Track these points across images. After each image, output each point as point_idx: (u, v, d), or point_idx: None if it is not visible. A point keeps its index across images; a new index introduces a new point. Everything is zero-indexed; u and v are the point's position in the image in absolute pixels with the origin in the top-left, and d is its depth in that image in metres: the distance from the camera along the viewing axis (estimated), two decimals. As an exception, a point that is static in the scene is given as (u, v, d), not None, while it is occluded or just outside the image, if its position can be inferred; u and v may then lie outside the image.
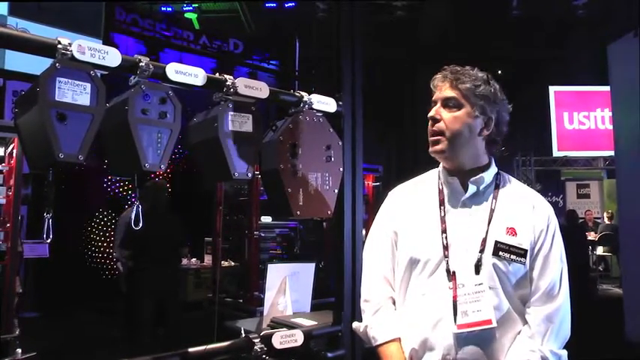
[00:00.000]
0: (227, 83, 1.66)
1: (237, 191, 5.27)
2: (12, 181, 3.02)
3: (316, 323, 2.01)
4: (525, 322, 1.30)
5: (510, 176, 1.44)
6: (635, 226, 4.92)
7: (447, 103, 1.35)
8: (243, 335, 1.77)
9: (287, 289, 2.27)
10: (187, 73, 1.57)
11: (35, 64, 1.37)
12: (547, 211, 1.36)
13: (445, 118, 1.34)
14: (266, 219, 5.48)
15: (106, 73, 1.45)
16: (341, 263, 1.93)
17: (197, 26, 10.09)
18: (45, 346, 3.63)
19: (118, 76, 1.48)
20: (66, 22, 5.93)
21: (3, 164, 3.12)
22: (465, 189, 1.36)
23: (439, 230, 1.34)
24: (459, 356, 1.26)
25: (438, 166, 1.44)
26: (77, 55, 1.33)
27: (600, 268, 9.70)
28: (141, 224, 1.49)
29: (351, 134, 1.99)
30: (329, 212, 1.88)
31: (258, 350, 1.71)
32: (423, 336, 1.31)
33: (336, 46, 2.03)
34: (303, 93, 1.89)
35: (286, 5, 10.61)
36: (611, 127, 7.37)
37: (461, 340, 1.26)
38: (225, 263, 5.52)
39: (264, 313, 2.22)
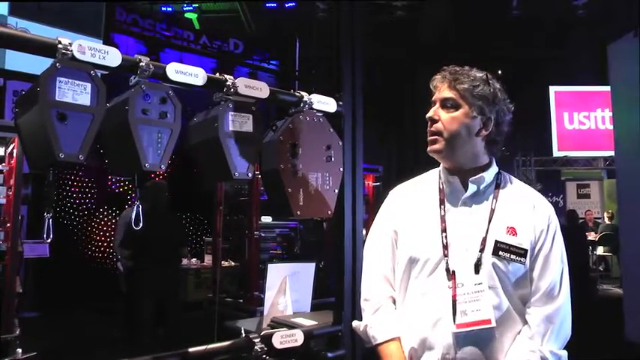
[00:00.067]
0: (227, 83, 1.66)
1: (237, 191, 5.27)
2: (12, 181, 3.02)
3: (316, 323, 2.00)
4: (525, 322, 1.30)
5: (511, 176, 1.44)
6: (635, 226, 4.91)
7: (445, 103, 1.35)
8: (244, 335, 1.76)
9: (287, 289, 2.27)
10: (187, 73, 1.57)
11: (35, 64, 1.37)
12: (548, 211, 1.36)
13: (443, 118, 1.34)
14: (266, 219, 5.48)
15: (107, 73, 1.45)
16: (341, 263, 1.93)
17: (197, 26, 10.10)
18: (45, 346, 3.63)
19: (118, 76, 1.48)
20: (66, 22, 5.93)
21: (3, 164, 3.12)
22: (466, 188, 1.36)
23: (439, 229, 1.34)
24: (458, 356, 1.26)
25: (438, 166, 1.44)
26: (77, 55, 1.33)
27: (600, 268, 9.70)
28: (141, 224, 1.49)
29: (351, 134, 1.99)
30: (329, 212, 1.88)
31: (259, 350, 1.71)
32: (423, 335, 1.31)
33: (336, 46, 2.03)
34: (303, 93, 1.89)
35: (286, 5, 10.62)
36: (611, 127, 7.37)
37: (460, 339, 1.26)
38: (225, 263, 5.53)
39: (265, 313, 2.22)
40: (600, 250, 9.04)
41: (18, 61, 5.50)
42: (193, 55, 9.06)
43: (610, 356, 4.00)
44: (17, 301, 3.04)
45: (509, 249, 1.29)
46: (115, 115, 1.43)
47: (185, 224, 7.82)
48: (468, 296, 1.27)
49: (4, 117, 5.66)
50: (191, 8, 10.28)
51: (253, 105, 1.73)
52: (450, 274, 1.30)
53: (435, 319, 1.29)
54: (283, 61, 10.50)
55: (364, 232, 1.86)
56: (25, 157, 1.73)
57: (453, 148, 1.34)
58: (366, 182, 7.66)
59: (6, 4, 5.89)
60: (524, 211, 1.34)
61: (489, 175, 1.38)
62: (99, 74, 1.36)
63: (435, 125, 1.35)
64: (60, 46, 1.31)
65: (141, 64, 1.45)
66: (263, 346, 1.73)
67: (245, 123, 1.68)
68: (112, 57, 1.41)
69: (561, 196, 11.57)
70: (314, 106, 1.90)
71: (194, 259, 7.18)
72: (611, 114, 7.50)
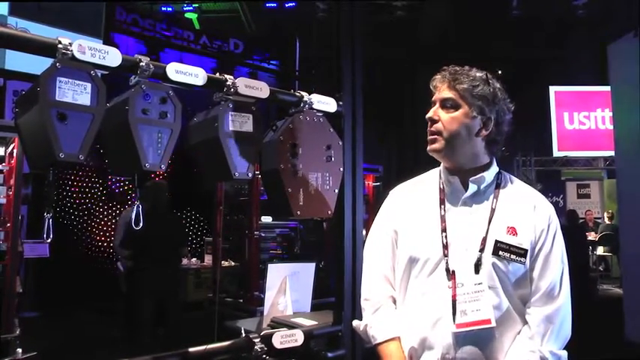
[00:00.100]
0: (227, 83, 1.66)
1: (237, 191, 5.27)
2: (12, 181, 3.02)
3: (316, 323, 2.00)
4: (525, 322, 1.30)
5: (512, 176, 1.44)
6: (635, 226, 4.92)
7: (445, 103, 1.35)
8: (244, 335, 1.76)
9: (287, 289, 2.27)
10: (188, 73, 1.57)
11: (36, 64, 1.37)
12: (548, 211, 1.35)
13: (443, 118, 1.34)
14: (266, 219, 5.48)
15: (107, 72, 1.45)
16: (341, 263, 1.93)
17: (197, 26, 10.10)
18: (45, 346, 3.63)
19: (118, 75, 1.48)
20: (66, 22, 5.93)
21: (3, 164, 3.12)
22: (466, 188, 1.36)
23: (439, 229, 1.34)
24: (458, 355, 1.26)
25: (438, 166, 1.44)
26: (78, 55, 1.33)
27: (600, 268, 9.70)
28: (141, 224, 1.49)
29: (352, 134, 1.99)
30: (329, 212, 1.88)
31: (259, 350, 1.71)
32: (422, 335, 1.31)
33: (336, 46, 2.03)
34: (303, 93, 1.89)
35: (286, 5, 10.63)
36: (611, 127, 7.37)
37: (460, 339, 1.26)
38: (225, 263, 5.53)
39: (265, 313, 2.22)
40: (600, 250, 9.04)
41: (18, 61, 5.50)
42: (193, 55, 9.06)
43: (610, 356, 4.00)
44: (17, 301, 3.04)
45: (510, 249, 1.29)
46: (115, 115, 1.43)
47: (185, 224, 7.82)
48: (468, 296, 1.27)
49: (4, 117, 5.66)
50: (191, 8, 10.28)
51: (253, 105, 1.73)
52: (450, 274, 1.30)
53: (435, 319, 1.29)
54: (283, 61, 10.50)
55: (364, 232, 1.86)
56: (25, 157, 1.73)
57: (453, 148, 1.34)
58: (366, 182, 7.66)
59: (6, 4, 5.89)
60: (525, 211, 1.34)
61: (490, 174, 1.37)
62: (99, 74, 1.36)
63: (435, 125, 1.35)
64: (60, 46, 1.31)
65: (141, 64, 1.45)
66: (263, 346, 1.73)
67: (245, 123, 1.68)
68: (112, 57, 1.41)
69: (561, 196, 11.58)
70: (314, 106, 1.90)
71: (194, 259, 7.18)
72: (611, 114, 7.50)
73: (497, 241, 1.29)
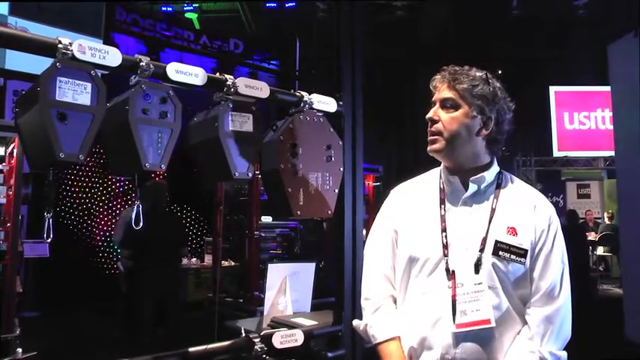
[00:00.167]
0: (227, 83, 1.66)
1: (237, 191, 5.27)
2: (12, 181, 3.02)
3: (316, 323, 2.00)
4: (525, 322, 1.30)
5: (513, 176, 1.44)
6: (635, 226, 4.91)
7: (445, 103, 1.35)
8: (244, 335, 1.76)
9: (287, 288, 2.27)
10: (188, 73, 1.57)
11: (36, 64, 1.37)
12: (549, 211, 1.35)
13: (443, 118, 1.34)
14: (266, 219, 5.48)
15: (107, 72, 1.45)
16: (341, 263, 1.93)
17: (197, 26, 10.11)
18: (45, 346, 3.63)
19: (118, 75, 1.48)
20: (66, 22, 5.94)
21: (3, 164, 3.13)
22: (466, 188, 1.36)
23: (439, 229, 1.34)
24: (457, 355, 1.26)
25: (439, 166, 1.44)
26: (78, 55, 1.33)
27: (600, 268, 9.70)
28: (141, 224, 1.49)
29: (352, 134, 1.99)
30: (329, 212, 1.88)
31: (259, 350, 1.71)
32: (422, 335, 1.31)
33: (336, 46, 2.03)
34: (303, 93, 1.89)
35: (286, 5, 10.63)
36: (611, 127, 7.36)
37: (460, 339, 1.26)
38: (225, 263, 5.53)
39: (265, 313, 2.22)
40: (600, 250, 9.04)
41: (18, 61, 5.50)
42: (193, 55, 9.06)
43: (610, 356, 3.99)
44: (17, 301, 3.04)
45: (510, 249, 1.29)
46: (115, 115, 1.43)
47: (185, 224, 7.83)
48: (468, 296, 1.26)
49: (4, 117, 5.66)
50: (191, 8, 10.28)
51: (253, 105, 1.73)
52: (450, 274, 1.30)
53: (435, 319, 1.29)
54: (283, 61, 10.51)
55: (364, 232, 1.86)
56: (25, 157, 1.74)
57: (454, 148, 1.34)
58: (366, 182, 7.66)
59: (6, 4, 5.90)
60: (525, 211, 1.34)
61: (490, 174, 1.37)
62: (99, 74, 1.36)
63: (435, 126, 1.35)
64: (60, 45, 1.31)
65: (141, 63, 1.45)
66: (263, 345, 1.73)
67: (245, 123, 1.68)
68: (112, 57, 1.41)
69: (561, 196, 11.57)
70: (314, 106, 1.90)
71: (194, 259, 7.18)
72: (611, 114, 7.50)
73: (497, 241, 1.29)
